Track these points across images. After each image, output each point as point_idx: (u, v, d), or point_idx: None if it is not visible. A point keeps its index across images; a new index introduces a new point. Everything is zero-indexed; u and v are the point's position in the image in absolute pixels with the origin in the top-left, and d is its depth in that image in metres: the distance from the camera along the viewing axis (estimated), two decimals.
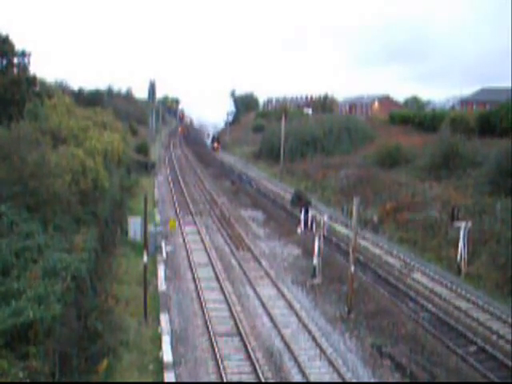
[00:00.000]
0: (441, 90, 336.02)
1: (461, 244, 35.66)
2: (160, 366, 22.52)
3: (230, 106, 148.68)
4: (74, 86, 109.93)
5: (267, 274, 35.35)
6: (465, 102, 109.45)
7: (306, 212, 36.11)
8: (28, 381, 16.25)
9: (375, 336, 26.27)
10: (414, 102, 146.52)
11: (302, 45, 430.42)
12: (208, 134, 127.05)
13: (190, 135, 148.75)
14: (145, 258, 27.87)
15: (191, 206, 56.86)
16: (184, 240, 43.00)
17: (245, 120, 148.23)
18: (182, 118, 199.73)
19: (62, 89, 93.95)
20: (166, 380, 21.15)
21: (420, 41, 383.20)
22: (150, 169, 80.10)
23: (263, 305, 30.07)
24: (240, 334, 26.05)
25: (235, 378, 22.22)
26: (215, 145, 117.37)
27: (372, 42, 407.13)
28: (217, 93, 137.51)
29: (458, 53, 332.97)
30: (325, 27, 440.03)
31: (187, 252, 39.72)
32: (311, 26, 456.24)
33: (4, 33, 48.92)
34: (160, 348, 23.90)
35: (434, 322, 28.39)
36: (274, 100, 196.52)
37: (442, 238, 40.44)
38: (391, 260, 38.74)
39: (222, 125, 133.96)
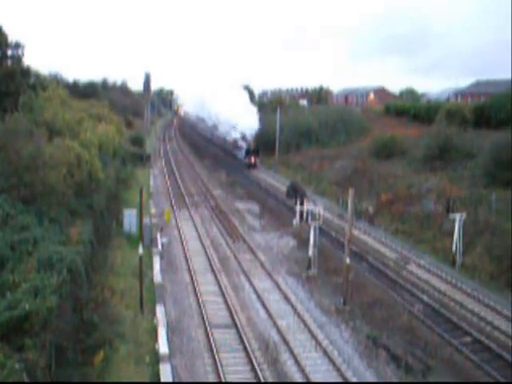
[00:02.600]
0: (436, 82, 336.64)
1: (456, 235, 35.76)
2: (156, 357, 22.57)
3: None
4: (69, 78, 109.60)
5: (263, 266, 35.39)
6: (460, 93, 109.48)
7: (302, 204, 36.11)
8: (24, 373, 16.26)
9: (371, 327, 26.37)
10: (410, 93, 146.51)
11: (299, 38, 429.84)
12: (236, 142, 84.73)
13: (185, 128, 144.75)
14: (140, 250, 27.86)
15: (186, 198, 56.81)
16: (179, 232, 43.00)
17: None
18: (176, 111, 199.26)
19: (57, 81, 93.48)
20: (162, 372, 21.17)
21: (417, 33, 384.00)
22: (145, 161, 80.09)
23: (259, 296, 30.13)
24: (236, 326, 26.12)
25: (231, 369, 22.29)
26: (252, 159, 78.59)
27: (369, 34, 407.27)
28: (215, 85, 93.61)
29: (455, 45, 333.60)
30: (323, 21, 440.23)
31: (182, 244, 39.73)
32: (309, 20, 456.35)
33: None
34: (156, 340, 23.94)
35: (429, 314, 28.52)
36: (269, 92, 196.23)
37: (437, 230, 40.54)
38: (386, 251, 38.82)
39: (254, 126, 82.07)
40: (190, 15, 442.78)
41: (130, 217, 39.82)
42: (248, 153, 78.98)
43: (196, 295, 29.99)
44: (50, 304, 19.01)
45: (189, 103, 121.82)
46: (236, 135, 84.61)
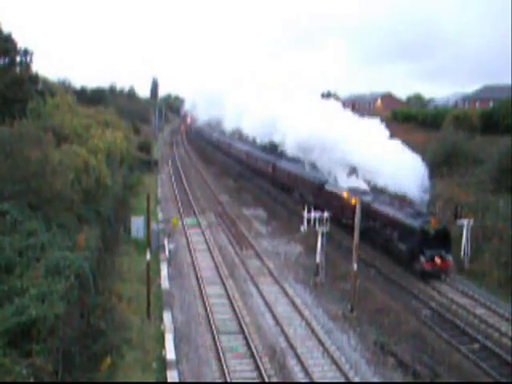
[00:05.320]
0: (443, 88, 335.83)
1: (464, 241, 35.61)
2: (163, 364, 22.54)
3: None
4: (77, 84, 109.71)
5: (270, 272, 35.34)
6: (467, 99, 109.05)
7: (309, 210, 36.01)
8: (32, 378, 16.27)
9: (378, 334, 26.26)
10: (417, 99, 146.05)
11: (307, 43, 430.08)
12: (374, 207, 39.19)
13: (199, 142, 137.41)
14: (148, 256, 27.88)
15: (194, 204, 56.87)
16: (187, 238, 43.03)
17: None
18: (184, 117, 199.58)
19: (65, 87, 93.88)
20: (169, 378, 21.16)
21: (424, 39, 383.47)
22: (152, 167, 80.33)
23: (266, 303, 30.08)
24: (243, 332, 26.07)
25: (238, 376, 22.24)
26: (436, 260, 33.43)
27: (376, 40, 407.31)
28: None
29: (462, 50, 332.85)
30: (330, 25, 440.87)
31: (190, 250, 39.75)
32: (317, 23, 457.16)
33: (7, 31, 48.94)
34: (163, 346, 23.92)
35: (436, 320, 28.39)
36: None
37: None
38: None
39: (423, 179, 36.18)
40: (195, 21, 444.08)
41: (137, 223, 39.81)
42: (426, 244, 34.20)
43: (203, 301, 29.97)
44: (57, 310, 19.01)
45: (200, 109, 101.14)
46: (361, 185, 43.92)
